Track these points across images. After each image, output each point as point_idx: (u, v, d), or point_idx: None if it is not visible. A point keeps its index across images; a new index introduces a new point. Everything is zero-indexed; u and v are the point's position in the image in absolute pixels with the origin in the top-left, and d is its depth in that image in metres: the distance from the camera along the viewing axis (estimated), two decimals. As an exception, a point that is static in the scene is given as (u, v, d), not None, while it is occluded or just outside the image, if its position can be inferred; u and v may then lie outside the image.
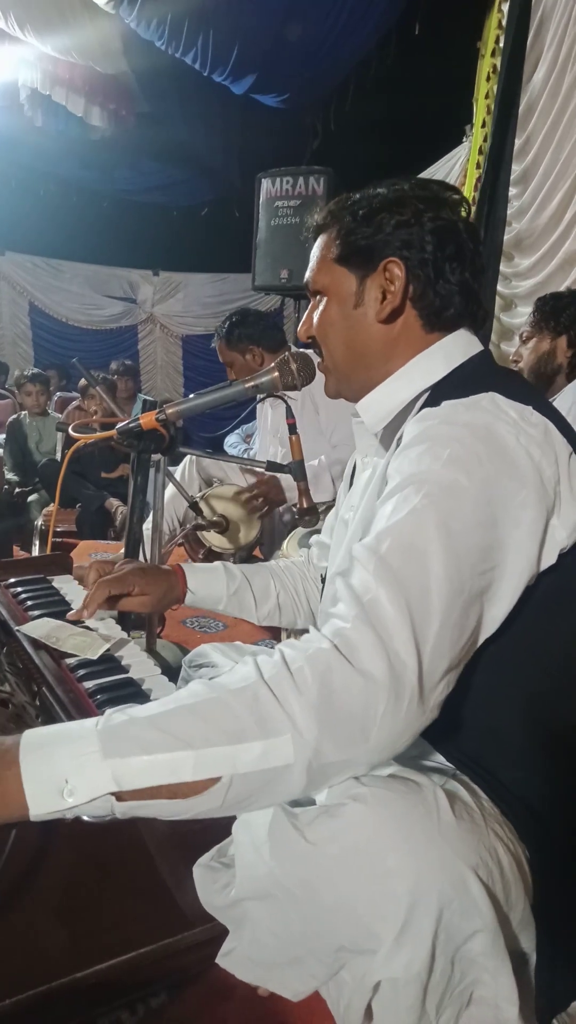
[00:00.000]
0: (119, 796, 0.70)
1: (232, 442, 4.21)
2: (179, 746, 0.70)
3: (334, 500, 1.32)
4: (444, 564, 0.75)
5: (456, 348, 0.99)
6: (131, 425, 1.38)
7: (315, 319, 1.07)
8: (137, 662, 1.14)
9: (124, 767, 0.69)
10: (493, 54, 4.38)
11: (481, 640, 0.80)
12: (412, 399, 0.98)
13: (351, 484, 1.22)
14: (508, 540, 0.79)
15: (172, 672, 1.31)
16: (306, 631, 0.79)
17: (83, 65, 4.99)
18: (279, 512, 2.83)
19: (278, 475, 2.58)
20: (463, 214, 1.01)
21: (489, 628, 0.80)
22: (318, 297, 1.07)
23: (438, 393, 0.92)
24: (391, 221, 0.98)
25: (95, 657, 1.11)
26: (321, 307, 1.06)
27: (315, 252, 1.07)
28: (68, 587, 1.45)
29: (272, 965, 0.79)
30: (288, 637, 1.84)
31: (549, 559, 0.83)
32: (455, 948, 0.72)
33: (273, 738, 0.70)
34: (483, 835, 0.75)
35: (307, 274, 1.09)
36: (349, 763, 0.73)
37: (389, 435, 1.01)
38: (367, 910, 0.71)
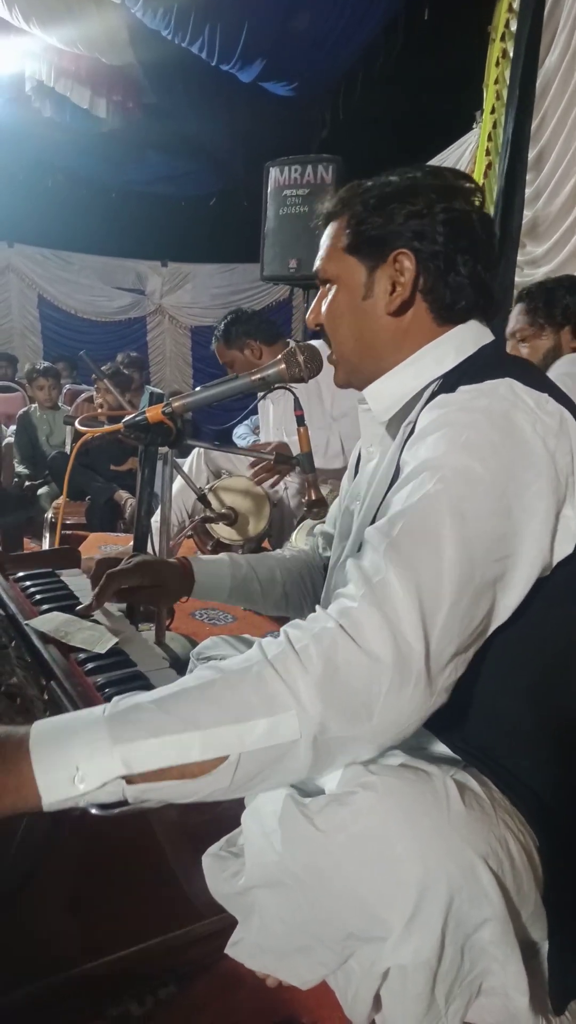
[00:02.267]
0: (129, 780, 0.70)
1: (241, 433, 4.21)
2: (186, 727, 0.70)
3: (345, 467, 1.31)
4: (456, 549, 0.75)
5: (467, 338, 0.98)
6: (137, 418, 1.38)
7: (323, 308, 1.07)
8: (146, 655, 1.14)
9: (133, 751, 0.70)
10: (503, 39, 4.32)
11: (492, 628, 0.80)
12: (422, 388, 0.97)
13: (356, 474, 1.21)
14: (523, 529, 0.79)
15: (181, 665, 1.32)
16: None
17: (89, 57, 4.97)
18: (288, 503, 2.82)
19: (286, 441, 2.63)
20: (476, 203, 0.99)
21: (501, 616, 0.80)
22: (327, 286, 1.06)
23: (450, 381, 0.91)
24: (403, 211, 0.96)
25: (104, 651, 1.12)
26: (330, 296, 1.05)
27: (324, 240, 1.06)
28: (76, 582, 1.46)
29: (281, 953, 0.80)
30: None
31: (565, 550, 0.82)
32: (465, 937, 0.72)
33: (278, 715, 0.70)
34: (493, 825, 0.75)
35: (316, 262, 1.07)
36: (355, 740, 0.73)
37: (396, 424, 1.00)
38: (376, 897, 0.71)
